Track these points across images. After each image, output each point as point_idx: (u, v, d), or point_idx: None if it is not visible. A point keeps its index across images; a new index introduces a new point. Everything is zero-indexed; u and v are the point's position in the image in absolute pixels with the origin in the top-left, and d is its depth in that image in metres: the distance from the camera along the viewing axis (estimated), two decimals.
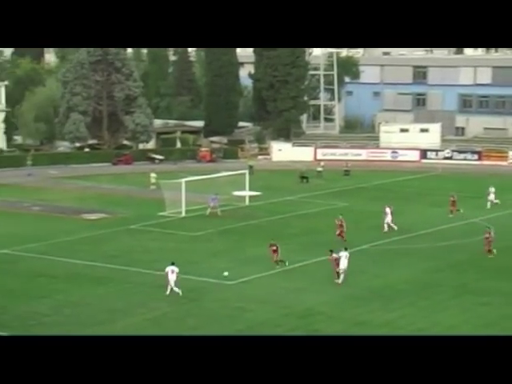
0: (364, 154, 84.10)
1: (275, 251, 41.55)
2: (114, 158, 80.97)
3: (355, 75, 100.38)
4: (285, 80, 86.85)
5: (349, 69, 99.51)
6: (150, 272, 40.44)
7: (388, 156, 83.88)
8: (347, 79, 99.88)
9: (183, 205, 54.54)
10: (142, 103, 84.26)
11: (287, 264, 41.39)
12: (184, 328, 32.09)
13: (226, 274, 38.88)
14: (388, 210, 50.25)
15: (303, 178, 70.44)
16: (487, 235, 44.26)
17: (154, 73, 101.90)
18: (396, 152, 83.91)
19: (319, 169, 73.13)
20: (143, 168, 75.33)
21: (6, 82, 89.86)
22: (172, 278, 36.53)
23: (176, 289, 36.48)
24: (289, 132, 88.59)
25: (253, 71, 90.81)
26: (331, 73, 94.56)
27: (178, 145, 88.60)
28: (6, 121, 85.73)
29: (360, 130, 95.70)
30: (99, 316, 33.91)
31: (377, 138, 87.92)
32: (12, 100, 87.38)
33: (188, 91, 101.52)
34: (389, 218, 49.91)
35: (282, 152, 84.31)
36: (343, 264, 38.62)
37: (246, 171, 61.57)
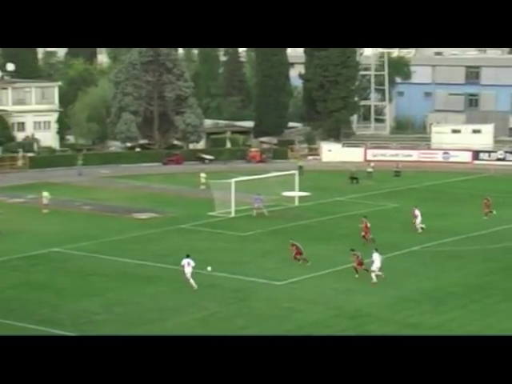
0: (415, 155, 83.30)
1: (298, 251, 41.62)
2: (164, 158, 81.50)
3: (406, 75, 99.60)
4: (335, 80, 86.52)
5: (400, 69, 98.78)
6: (200, 272, 40.48)
7: (439, 157, 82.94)
8: (398, 79, 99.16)
9: (232, 205, 54.61)
10: (192, 103, 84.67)
11: (309, 263, 41.57)
12: (233, 328, 32.11)
13: (209, 268, 38.77)
14: (417, 212, 49.99)
15: (353, 178, 70.06)
16: None
17: (204, 73, 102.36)
18: (448, 153, 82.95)
19: (369, 169, 72.68)
20: (193, 168, 75.66)
21: (60, 83, 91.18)
22: (188, 270, 37.33)
23: (192, 282, 37.10)
24: (339, 132, 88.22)
25: (303, 71, 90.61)
26: (382, 73, 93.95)
27: (228, 145, 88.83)
28: (59, 121, 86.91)
29: (411, 130, 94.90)
30: (149, 315, 34.11)
31: (428, 139, 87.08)
32: (65, 100, 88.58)
33: (238, 91, 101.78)
34: (419, 220, 49.74)
35: (332, 152, 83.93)
36: (376, 265, 38.91)
37: (296, 172, 61.42)
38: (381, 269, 39.09)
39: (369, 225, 47.29)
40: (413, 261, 43.23)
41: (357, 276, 39.22)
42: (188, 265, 37.70)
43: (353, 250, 40.07)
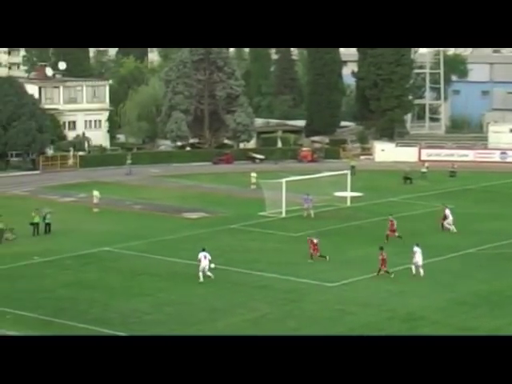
0: (471, 155, 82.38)
1: (315, 246, 42.61)
2: (214, 157, 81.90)
3: (463, 73, 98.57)
4: (389, 78, 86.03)
5: (456, 67, 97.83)
6: (250, 272, 40.75)
7: (497, 157, 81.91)
8: (454, 78, 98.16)
9: (283, 205, 54.66)
10: (243, 102, 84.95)
11: (328, 259, 42.45)
12: (284, 329, 32.15)
13: (212, 265, 39.33)
14: (448, 211, 50.00)
15: (407, 178, 69.64)
16: None
17: (255, 71, 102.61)
18: (505, 153, 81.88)
19: (423, 170, 72.14)
20: (244, 167, 75.92)
21: (111, 81, 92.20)
22: (205, 263, 38.90)
23: (209, 273, 38.97)
24: (392, 132, 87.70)
25: (356, 70, 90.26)
26: (437, 71, 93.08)
27: (279, 144, 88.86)
28: (110, 119, 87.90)
29: (467, 129, 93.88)
30: (200, 315, 34.35)
31: (485, 139, 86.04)
32: (116, 99, 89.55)
33: (290, 90, 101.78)
34: (450, 220, 49.68)
35: (385, 152, 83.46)
36: (417, 259, 39.94)
37: (348, 171, 61.24)
38: (420, 266, 39.83)
39: (395, 223, 47.64)
40: (468, 263, 42.83)
41: (392, 276, 39.59)
42: (205, 258, 39.22)
43: (382, 249, 40.48)
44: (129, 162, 75.54)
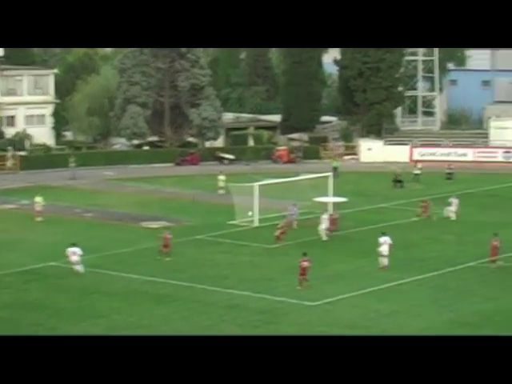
0: (470, 154, 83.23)
1: (166, 244, 46.05)
2: (177, 158, 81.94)
3: (461, 61, 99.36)
4: (376, 67, 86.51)
5: (453, 54, 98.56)
6: (219, 290, 40.72)
7: (499, 156, 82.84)
8: (451, 66, 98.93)
9: (256, 212, 54.73)
10: (209, 94, 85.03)
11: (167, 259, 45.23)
12: None
13: (250, 213, 40.09)
14: (324, 216, 51.60)
15: (397, 181, 70.10)
16: None
17: (224, 59, 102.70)
18: (509, 152, 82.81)
19: (416, 171, 72.64)
20: (210, 169, 76.02)
21: (56, 70, 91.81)
22: (74, 259, 42.99)
23: (78, 268, 42.92)
24: (380, 128, 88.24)
25: (338, 57, 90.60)
26: (431, 58, 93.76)
27: (251, 142, 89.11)
28: (55, 114, 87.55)
29: (466, 125, 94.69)
30: None
31: (486, 136, 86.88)
32: (62, 90, 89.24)
33: (263, 80, 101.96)
34: (324, 225, 51.03)
35: (373, 151, 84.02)
36: (384, 250, 43.36)
37: (330, 174, 61.45)
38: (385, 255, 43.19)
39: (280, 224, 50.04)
40: (469, 278, 43.07)
41: (299, 288, 40.50)
42: (74, 254, 42.95)
43: (305, 255, 41.25)
44: (72, 164, 74.46)
